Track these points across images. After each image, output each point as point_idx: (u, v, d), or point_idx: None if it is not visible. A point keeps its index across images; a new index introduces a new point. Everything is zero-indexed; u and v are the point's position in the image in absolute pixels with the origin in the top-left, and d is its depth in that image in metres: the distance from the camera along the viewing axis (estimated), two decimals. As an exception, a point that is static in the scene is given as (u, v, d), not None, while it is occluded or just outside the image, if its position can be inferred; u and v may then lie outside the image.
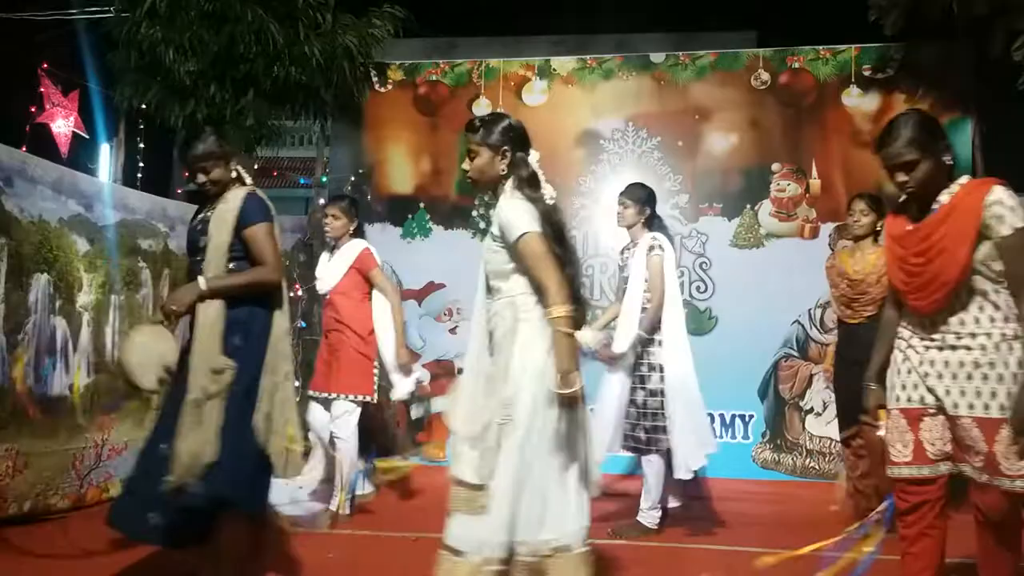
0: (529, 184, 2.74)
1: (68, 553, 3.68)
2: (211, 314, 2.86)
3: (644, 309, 4.17)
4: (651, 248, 4.22)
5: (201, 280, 2.88)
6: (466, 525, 2.58)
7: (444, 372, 6.13)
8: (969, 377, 2.51)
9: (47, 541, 3.85)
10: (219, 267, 2.93)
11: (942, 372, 2.56)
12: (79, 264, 4.53)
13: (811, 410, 5.71)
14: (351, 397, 4.42)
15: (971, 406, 2.50)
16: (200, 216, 3.07)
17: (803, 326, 5.78)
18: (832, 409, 5.60)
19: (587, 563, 2.62)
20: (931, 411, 2.58)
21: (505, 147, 2.72)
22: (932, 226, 2.54)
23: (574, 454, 2.63)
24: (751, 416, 5.78)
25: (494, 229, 2.69)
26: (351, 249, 4.52)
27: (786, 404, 5.76)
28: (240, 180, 3.10)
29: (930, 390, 2.57)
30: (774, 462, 5.73)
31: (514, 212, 2.64)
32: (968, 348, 2.52)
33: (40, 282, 4.27)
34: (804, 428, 5.71)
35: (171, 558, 3.36)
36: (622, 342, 4.16)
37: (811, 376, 5.74)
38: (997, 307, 2.50)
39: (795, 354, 5.79)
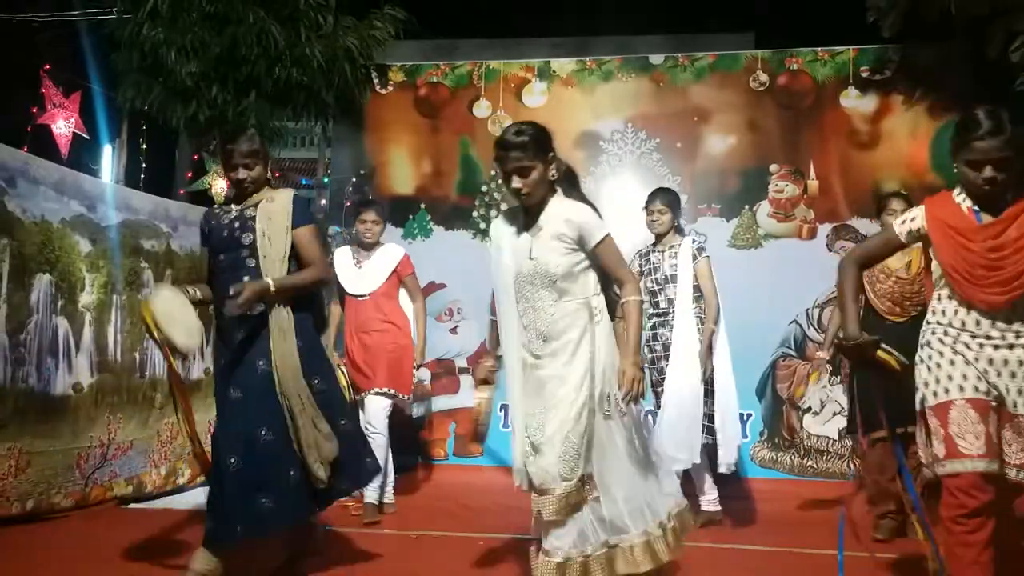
0: (576, 181, 2.94)
1: (70, 552, 3.70)
2: (284, 317, 3.00)
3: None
4: (700, 251, 4.46)
5: (269, 280, 2.95)
6: (564, 528, 2.68)
7: (445, 371, 6.16)
8: None
9: (49, 540, 3.88)
10: (279, 264, 3.00)
11: (1001, 371, 2.56)
12: (81, 264, 4.56)
13: (808, 409, 5.74)
14: (391, 392, 4.56)
15: None
16: (234, 213, 3.11)
17: (801, 326, 5.81)
18: (830, 408, 5.65)
19: (691, 512, 3.01)
20: (993, 404, 2.55)
21: (551, 153, 2.81)
22: (1008, 222, 2.55)
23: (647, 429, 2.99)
24: (749, 415, 5.80)
25: (564, 231, 2.76)
26: (392, 253, 4.76)
27: (784, 403, 5.79)
28: (269, 182, 3.20)
29: (993, 386, 2.56)
30: (772, 461, 5.76)
31: (590, 215, 2.80)
32: None
33: (42, 282, 4.30)
34: (802, 427, 5.74)
35: (175, 557, 3.39)
36: (692, 346, 4.32)
37: (808, 375, 5.77)
38: None
39: (793, 354, 5.81)
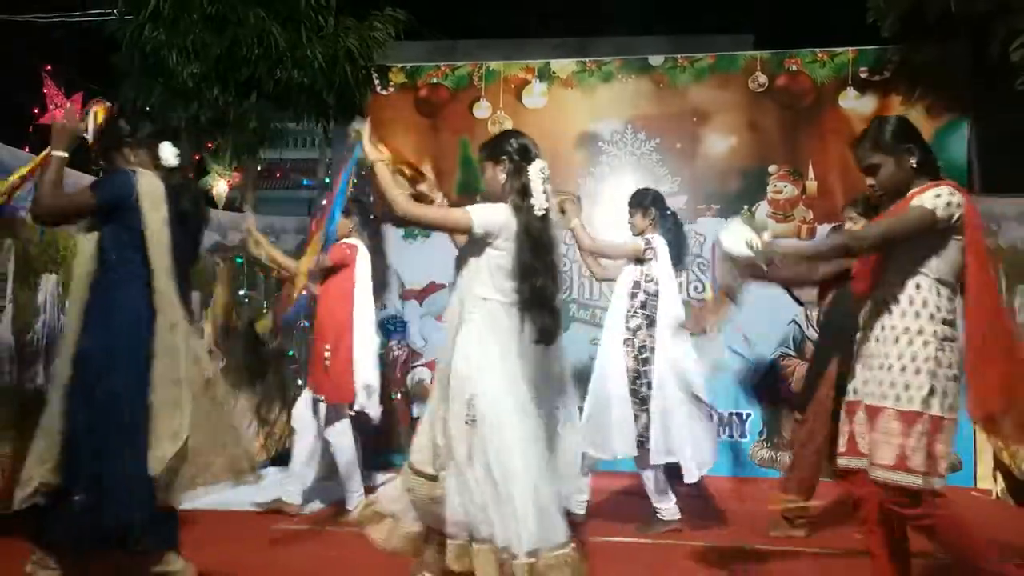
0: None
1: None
2: None
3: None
4: None
5: None
6: None
7: (445, 372, 6.16)
8: None
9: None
10: None
11: None
12: (87, 264, 4.56)
13: (808, 409, 5.74)
14: None
15: None
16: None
17: (800, 326, 5.82)
18: (829, 408, 5.64)
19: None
20: None
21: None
22: None
23: None
24: (748, 415, 5.82)
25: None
26: None
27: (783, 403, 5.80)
28: None
29: None
30: (771, 460, 5.77)
31: None
32: None
33: (49, 282, 4.30)
34: (801, 427, 5.73)
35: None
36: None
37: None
38: None
39: (792, 353, 5.83)
